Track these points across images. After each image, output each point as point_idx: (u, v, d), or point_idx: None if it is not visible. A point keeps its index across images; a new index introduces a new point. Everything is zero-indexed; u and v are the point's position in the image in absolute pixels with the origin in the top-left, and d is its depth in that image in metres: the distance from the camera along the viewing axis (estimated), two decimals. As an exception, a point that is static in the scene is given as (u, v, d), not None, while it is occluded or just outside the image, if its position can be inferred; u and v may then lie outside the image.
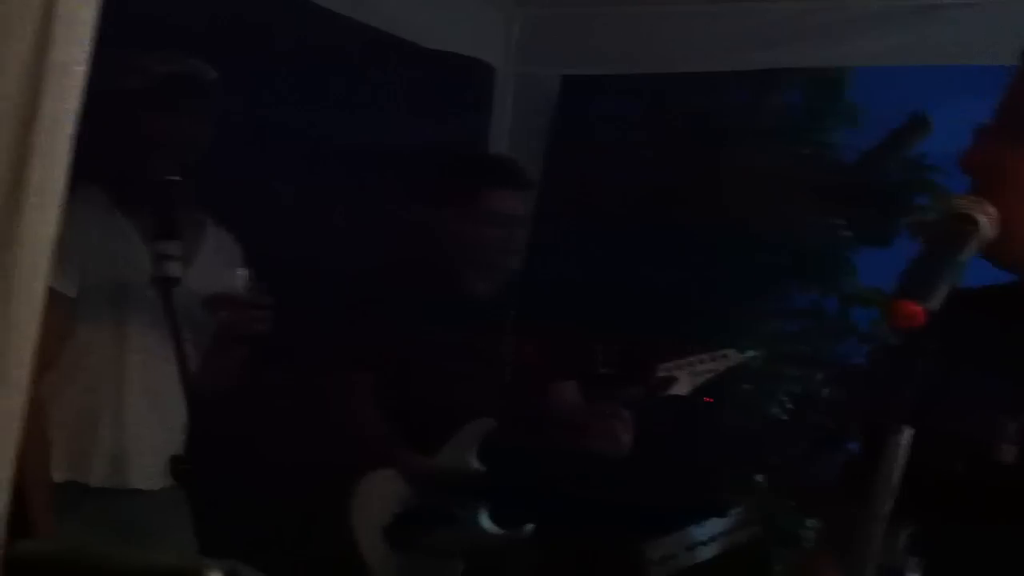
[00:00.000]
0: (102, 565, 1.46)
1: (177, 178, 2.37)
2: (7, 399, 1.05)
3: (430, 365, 2.76)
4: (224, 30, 3.32)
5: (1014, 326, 1.34)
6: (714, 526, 3.51)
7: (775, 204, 4.93)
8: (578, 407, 2.85)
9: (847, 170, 5.03)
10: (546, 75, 3.71)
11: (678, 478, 3.33)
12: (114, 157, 2.32)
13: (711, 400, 3.29)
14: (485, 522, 2.71)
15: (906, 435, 1.18)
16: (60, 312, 2.17)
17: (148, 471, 2.42)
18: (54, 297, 1.44)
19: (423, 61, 3.47)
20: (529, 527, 2.76)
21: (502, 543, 2.74)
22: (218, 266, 2.51)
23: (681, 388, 2.76)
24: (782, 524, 3.74)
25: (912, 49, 3.43)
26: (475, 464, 2.75)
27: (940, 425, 1.24)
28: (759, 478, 3.93)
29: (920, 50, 3.43)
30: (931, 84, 4.44)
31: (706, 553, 3.47)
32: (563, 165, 3.85)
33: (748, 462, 3.90)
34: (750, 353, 4.19)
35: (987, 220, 1.26)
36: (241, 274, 2.45)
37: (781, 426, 4.10)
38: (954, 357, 1.27)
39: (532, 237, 3.49)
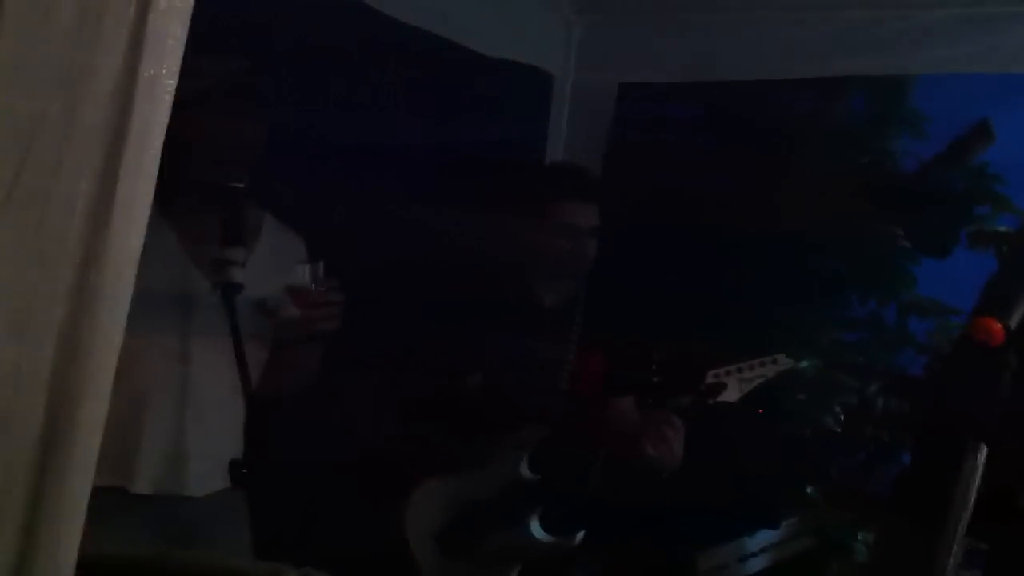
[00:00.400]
0: (177, 569, 1.49)
1: (241, 184, 2.36)
2: (93, 408, 1.08)
3: (491, 372, 2.78)
4: (285, 34, 3.36)
5: None
6: (766, 537, 3.50)
7: (834, 212, 4.90)
8: (631, 415, 2.85)
9: (908, 178, 4.97)
10: (605, 82, 3.73)
11: (730, 488, 3.31)
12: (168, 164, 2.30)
13: (762, 411, 3.27)
14: (536, 530, 2.73)
15: (984, 452, 1.18)
16: None
17: (196, 476, 2.39)
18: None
19: (484, 69, 3.49)
20: (580, 535, 2.77)
21: (553, 551, 2.75)
22: (276, 265, 2.48)
23: (730, 395, 2.74)
24: (834, 536, 3.71)
25: (977, 57, 3.41)
26: (527, 472, 2.76)
27: (1013, 443, 1.23)
28: (812, 489, 3.90)
29: (985, 58, 3.41)
30: (996, 92, 4.38)
31: (758, 564, 3.47)
32: (621, 173, 3.85)
33: (801, 473, 3.87)
34: (801, 360, 4.19)
35: None
36: (305, 269, 2.42)
37: (836, 437, 4.06)
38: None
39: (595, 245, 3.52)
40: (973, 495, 1.15)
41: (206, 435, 2.40)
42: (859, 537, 3.73)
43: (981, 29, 3.35)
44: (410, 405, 2.72)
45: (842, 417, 4.11)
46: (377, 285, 2.76)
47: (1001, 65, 3.43)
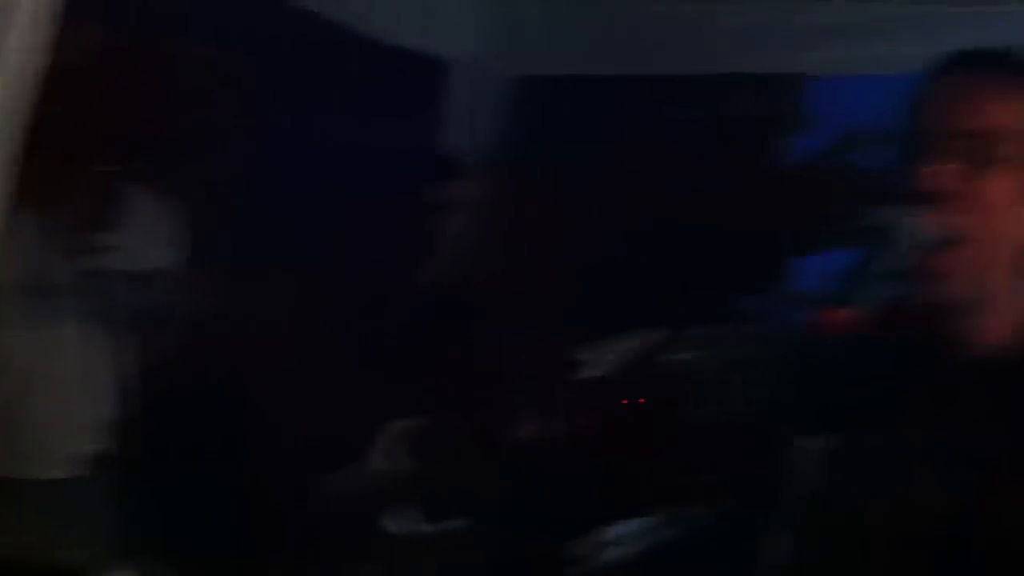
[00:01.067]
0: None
1: (112, 167, 2.35)
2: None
3: (370, 360, 2.80)
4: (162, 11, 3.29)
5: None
6: (642, 524, 3.57)
7: (725, 205, 5.01)
8: (505, 402, 2.88)
9: (794, 173, 5.10)
10: (513, 73, 3.74)
11: (601, 475, 3.38)
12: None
13: (643, 400, 3.33)
14: (414, 520, 2.76)
15: (820, 439, 1.24)
16: None
17: (53, 461, 2.37)
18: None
19: (380, 57, 3.49)
20: (456, 523, 2.81)
21: (426, 541, 2.78)
22: (149, 241, 2.47)
23: (600, 369, 2.77)
24: (708, 524, 3.80)
25: (864, 58, 3.49)
26: (404, 463, 2.78)
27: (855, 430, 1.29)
28: (688, 477, 3.98)
29: (872, 60, 3.49)
30: (882, 93, 4.51)
31: (629, 551, 3.53)
32: (527, 165, 3.88)
33: (677, 460, 3.95)
34: (687, 352, 4.26)
35: (919, 232, 1.30)
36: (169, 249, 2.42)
37: (715, 426, 4.14)
38: (878, 360, 1.32)
39: (495, 236, 3.55)
40: (812, 477, 1.20)
41: (63, 420, 2.38)
42: (734, 524, 3.82)
43: (868, 31, 3.43)
44: (285, 396, 2.73)
45: (725, 406, 4.19)
46: (248, 267, 2.74)
47: (888, 67, 3.51)
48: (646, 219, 4.75)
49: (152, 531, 2.34)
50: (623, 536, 3.51)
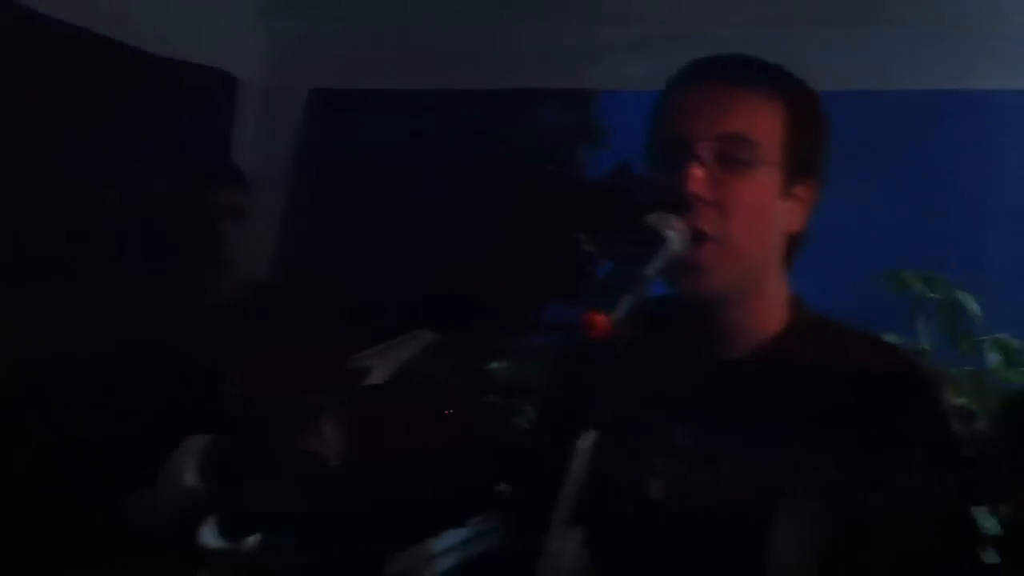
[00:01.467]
0: None
1: None
2: None
3: (147, 374, 2.70)
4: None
5: (675, 340, 1.43)
6: (453, 537, 3.55)
7: (522, 218, 5.08)
8: (290, 411, 2.81)
9: (591, 187, 5.22)
10: (294, 88, 3.70)
11: (412, 486, 3.34)
12: None
13: (450, 411, 3.32)
14: (208, 537, 2.66)
15: (588, 438, 1.24)
16: None
17: None
18: None
19: (163, 72, 3.39)
20: (254, 540, 2.72)
21: (225, 558, 2.69)
22: None
23: (377, 376, 2.71)
24: (527, 530, 3.82)
25: (659, 76, 3.60)
26: (194, 480, 2.68)
27: (621, 430, 1.30)
28: (502, 486, 4.00)
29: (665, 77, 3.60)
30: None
31: (444, 565, 3.51)
32: (313, 180, 3.83)
33: (491, 469, 3.96)
34: (491, 362, 4.29)
35: (674, 235, 1.33)
36: None
37: (523, 434, 4.19)
38: (637, 363, 1.34)
39: (273, 249, 3.50)
40: (578, 478, 1.21)
41: None
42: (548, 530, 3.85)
43: (662, 48, 3.54)
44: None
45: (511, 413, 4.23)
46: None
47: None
48: (431, 228, 4.80)
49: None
50: (436, 551, 3.48)
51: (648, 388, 1.35)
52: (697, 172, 1.36)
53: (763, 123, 1.39)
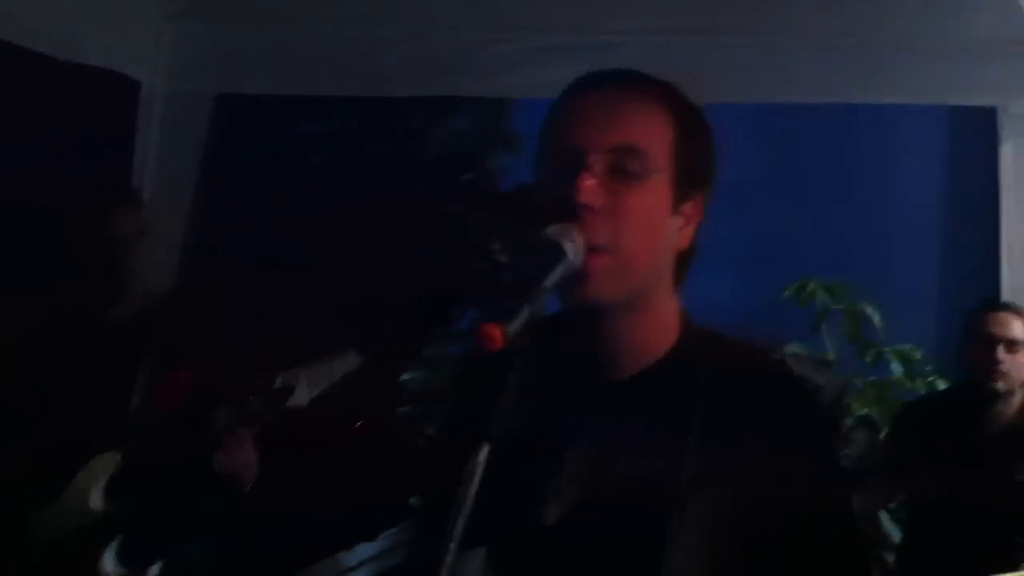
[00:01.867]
0: None
1: None
2: None
3: (54, 396, 2.62)
4: None
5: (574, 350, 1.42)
6: (364, 551, 3.51)
7: (438, 228, 5.06)
8: (202, 431, 2.75)
9: (504, 197, 5.21)
10: (198, 92, 3.63)
11: (324, 501, 3.30)
12: None
13: (360, 424, 3.28)
14: (109, 564, 2.58)
15: (484, 452, 1.22)
16: None
17: None
18: None
19: (64, 76, 3.30)
20: (156, 568, 2.65)
21: None
22: None
23: (300, 398, 2.66)
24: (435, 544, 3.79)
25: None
26: (100, 503, 2.60)
27: (520, 444, 1.28)
28: (415, 500, 3.97)
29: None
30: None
31: (364, 576, 3.47)
32: (219, 185, 3.76)
33: (403, 483, 3.93)
34: (405, 373, 4.28)
35: (573, 247, 1.32)
36: None
37: (432, 445, 4.16)
38: (532, 378, 1.33)
39: (184, 257, 3.42)
40: (474, 492, 1.19)
41: None
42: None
43: (575, 57, 3.55)
44: None
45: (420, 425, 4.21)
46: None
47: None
48: (341, 236, 4.73)
49: None
50: (349, 565, 3.44)
51: (540, 405, 1.33)
52: (588, 182, 1.34)
53: (653, 135, 1.38)
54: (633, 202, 1.35)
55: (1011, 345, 3.17)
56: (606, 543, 1.36)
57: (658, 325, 1.42)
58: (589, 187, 1.33)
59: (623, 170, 1.35)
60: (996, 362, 3.15)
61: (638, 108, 1.38)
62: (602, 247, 1.33)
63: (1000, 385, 3.16)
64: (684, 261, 1.44)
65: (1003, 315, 3.23)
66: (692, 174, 1.40)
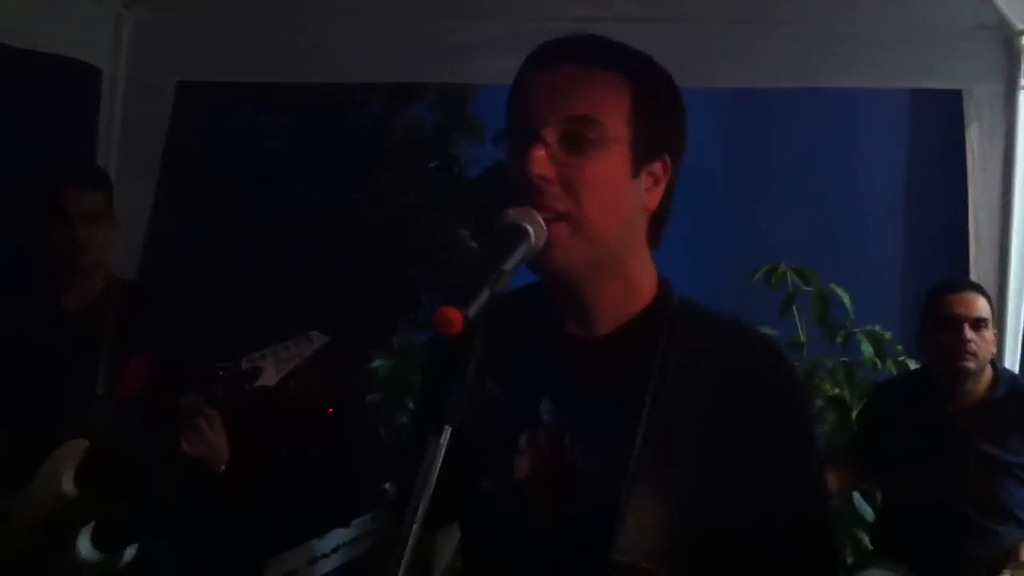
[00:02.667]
0: None
1: None
2: None
3: (17, 384, 2.58)
4: None
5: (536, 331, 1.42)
6: (337, 537, 3.50)
7: (405, 214, 5.03)
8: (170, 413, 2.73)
9: (471, 184, 5.19)
10: (160, 80, 3.59)
11: (296, 487, 3.28)
12: None
13: (332, 410, 3.27)
14: (84, 547, 2.56)
15: (446, 434, 1.22)
16: None
17: None
18: None
19: (24, 64, 3.26)
20: (131, 550, 2.63)
21: (101, 568, 2.59)
22: None
23: (267, 378, 2.61)
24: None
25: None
26: (70, 487, 2.58)
27: (490, 415, 1.27)
28: (388, 485, 3.97)
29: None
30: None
31: (329, 565, 3.46)
32: (182, 173, 3.72)
33: (375, 469, 3.92)
34: (375, 360, 4.25)
35: (534, 228, 1.32)
36: None
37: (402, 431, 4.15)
38: (491, 361, 1.32)
39: (148, 242, 3.40)
40: (435, 475, 1.19)
41: None
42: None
43: (535, 44, 3.52)
44: None
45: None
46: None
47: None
48: (304, 224, 4.69)
49: None
50: (321, 551, 3.43)
51: (518, 367, 1.32)
52: (540, 153, 1.34)
53: (608, 101, 1.38)
54: (590, 169, 1.35)
55: (977, 324, 3.18)
56: (566, 514, 1.37)
57: (631, 288, 1.42)
58: (539, 158, 1.33)
59: (578, 137, 1.35)
60: (964, 341, 3.16)
61: (592, 77, 1.38)
62: (563, 214, 1.33)
63: (971, 364, 3.17)
64: (657, 222, 1.44)
65: (967, 295, 3.25)
66: (653, 138, 1.40)
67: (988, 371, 3.25)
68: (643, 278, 1.45)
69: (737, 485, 1.36)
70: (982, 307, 3.22)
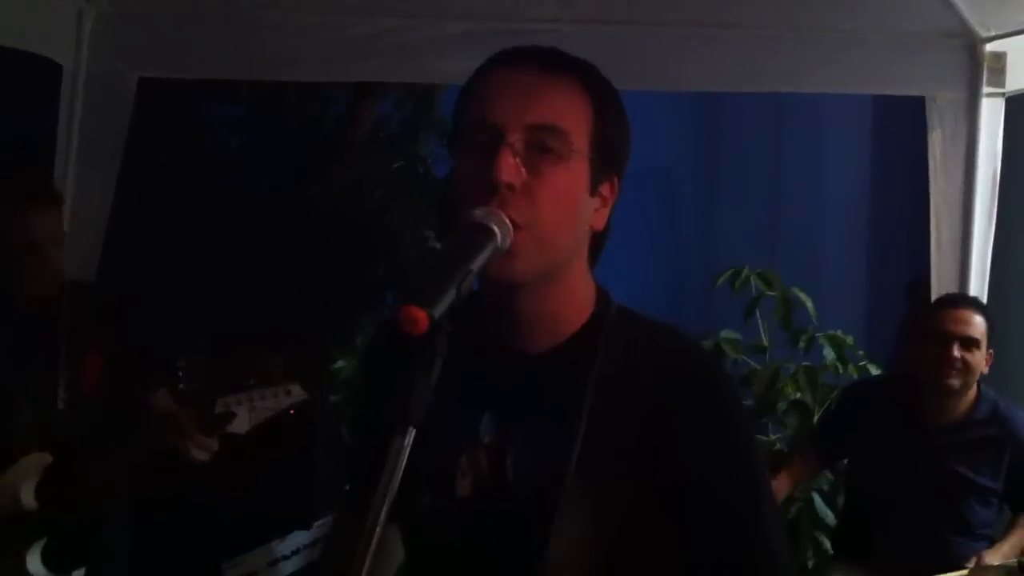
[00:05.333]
0: None
1: None
2: None
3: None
4: None
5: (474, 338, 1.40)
6: (298, 539, 3.48)
7: (370, 213, 5.00)
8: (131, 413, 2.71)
9: (437, 183, 5.17)
10: (122, 75, 3.53)
11: (256, 488, 3.25)
12: None
13: (293, 412, 3.23)
14: (33, 564, 2.51)
15: (410, 436, 1.20)
16: None
17: None
18: None
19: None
20: (79, 573, 2.59)
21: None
22: None
23: (239, 425, 2.62)
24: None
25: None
26: (30, 500, 2.53)
27: (433, 429, 1.26)
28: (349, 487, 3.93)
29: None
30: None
31: (289, 567, 3.44)
32: (144, 169, 3.67)
33: (336, 471, 3.90)
34: (338, 361, 4.22)
35: (500, 229, 1.31)
36: None
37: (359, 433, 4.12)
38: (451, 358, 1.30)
39: (108, 237, 3.35)
40: (399, 475, 1.18)
41: None
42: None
43: (498, 44, 3.50)
44: None
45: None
46: None
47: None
48: (268, 221, 4.64)
49: None
50: (281, 554, 3.40)
51: (457, 383, 1.31)
52: (508, 160, 1.33)
53: (572, 113, 1.37)
54: (553, 180, 1.34)
55: (968, 342, 3.15)
56: (506, 535, 1.36)
57: (572, 300, 1.42)
58: (510, 166, 1.32)
59: (543, 147, 1.34)
60: (951, 359, 3.12)
61: (558, 87, 1.37)
62: (523, 224, 1.32)
63: (955, 382, 3.14)
64: (598, 243, 1.44)
65: (961, 312, 3.21)
66: (609, 156, 1.39)
67: (973, 390, 3.22)
68: (583, 293, 1.45)
69: (672, 502, 1.35)
70: (976, 326, 3.17)
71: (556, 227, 1.36)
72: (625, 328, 1.43)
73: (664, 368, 1.40)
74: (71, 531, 2.57)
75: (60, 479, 2.54)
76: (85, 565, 2.60)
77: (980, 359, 3.18)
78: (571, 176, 1.37)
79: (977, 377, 3.20)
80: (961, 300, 3.33)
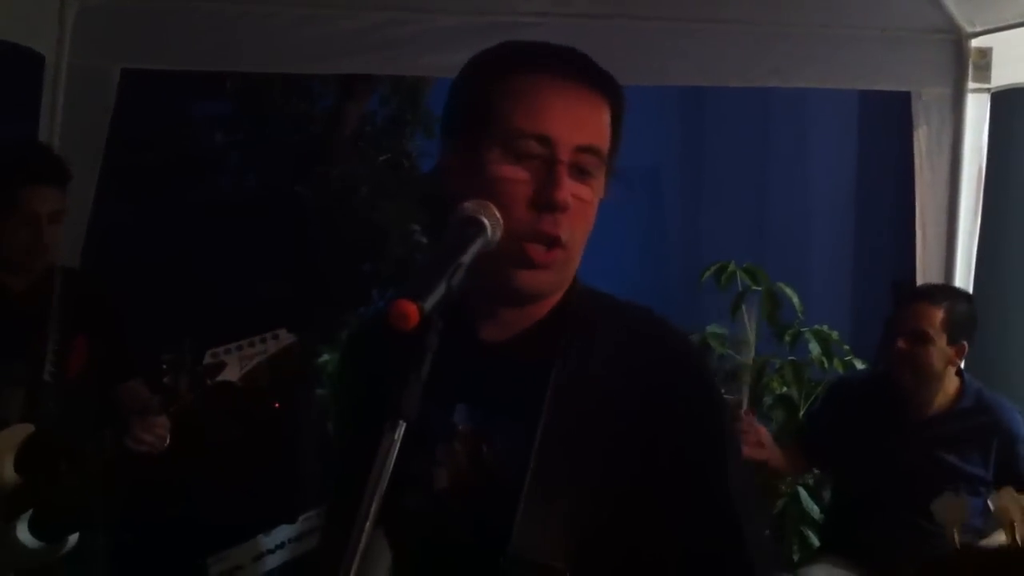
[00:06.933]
0: None
1: None
2: None
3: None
4: None
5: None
6: (283, 533, 3.46)
7: (356, 208, 4.98)
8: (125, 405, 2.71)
9: (423, 178, 5.16)
10: (103, 67, 3.51)
11: (242, 482, 3.24)
12: None
13: (279, 404, 3.23)
14: (23, 534, 2.51)
15: (400, 429, 1.19)
16: None
17: None
18: None
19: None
20: (72, 538, 2.58)
21: (42, 556, 2.54)
22: None
23: (230, 373, 2.61)
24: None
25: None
26: (11, 473, 2.53)
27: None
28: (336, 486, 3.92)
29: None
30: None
31: (275, 561, 3.42)
32: (126, 161, 3.64)
33: (321, 465, 3.89)
34: (323, 354, 4.21)
35: (490, 223, 1.30)
36: None
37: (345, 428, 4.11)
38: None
39: (92, 229, 3.34)
40: (389, 470, 1.17)
41: None
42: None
43: (487, 38, 3.49)
44: None
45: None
46: None
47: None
48: (253, 215, 4.62)
49: None
50: (266, 548, 3.39)
51: (433, 375, 1.30)
52: (567, 181, 1.34)
53: (605, 133, 1.39)
54: (587, 201, 1.36)
55: (915, 335, 3.13)
56: (488, 523, 1.35)
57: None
58: (569, 187, 1.33)
59: (583, 170, 1.35)
60: (897, 353, 3.12)
61: (597, 106, 1.38)
62: (565, 243, 1.33)
63: (904, 375, 3.14)
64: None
65: (914, 306, 3.20)
66: (613, 162, 1.41)
67: (954, 382, 3.21)
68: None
69: (644, 481, 1.35)
70: (927, 318, 3.12)
71: (582, 242, 1.39)
72: (591, 306, 1.44)
73: (629, 345, 1.41)
74: (56, 500, 2.57)
75: (41, 450, 2.55)
76: (75, 531, 2.60)
77: (933, 352, 3.12)
78: (595, 192, 1.39)
79: (935, 370, 3.15)
80: (921, 294, 3.29)
